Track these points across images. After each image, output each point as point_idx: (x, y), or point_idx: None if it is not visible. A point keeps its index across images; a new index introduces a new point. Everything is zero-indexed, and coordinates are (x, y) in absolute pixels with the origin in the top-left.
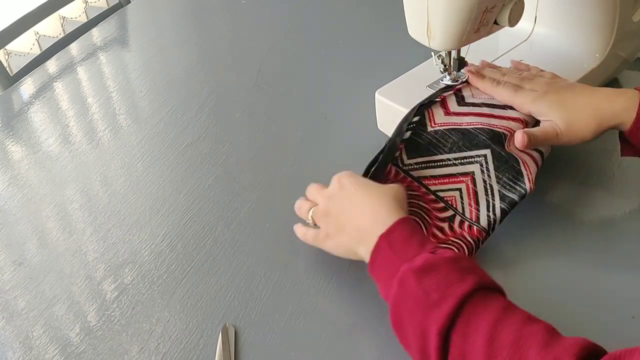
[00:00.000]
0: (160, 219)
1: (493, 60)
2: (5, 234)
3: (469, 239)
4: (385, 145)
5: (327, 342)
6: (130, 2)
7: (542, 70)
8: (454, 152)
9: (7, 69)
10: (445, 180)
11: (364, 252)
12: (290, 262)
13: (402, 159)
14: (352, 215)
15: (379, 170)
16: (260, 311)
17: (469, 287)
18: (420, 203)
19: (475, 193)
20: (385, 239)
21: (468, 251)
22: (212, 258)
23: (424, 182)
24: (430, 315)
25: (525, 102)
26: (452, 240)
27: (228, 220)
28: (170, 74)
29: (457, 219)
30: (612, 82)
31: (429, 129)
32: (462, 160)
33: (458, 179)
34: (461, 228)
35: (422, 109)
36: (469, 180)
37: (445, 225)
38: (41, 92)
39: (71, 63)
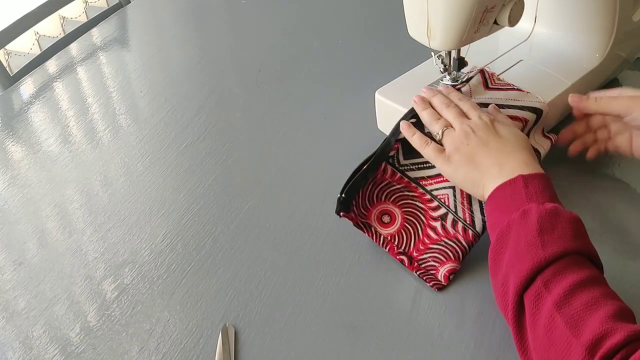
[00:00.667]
0: (160, 219)
1: (493, 60)
2: (5, 234)
3: (464, 243)
4: (381, 144)
5: (327, 342)
6: (130, 2)
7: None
8: None
9: (7, 69)
10: (439, 179)
11: (490, 188)
12: (290, 262)
13: (399, 159)
14: (497, 152)
15: (372, 167)
16: (260, 311)
17: (577, 247)
18: (417, 203)
19: (468, 194)
20: (524, 179)
21: (462, 256)
22: (212, 258)
23: (420, 182)
24: (533, 251)
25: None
26: (445, 242)
27: (228, 220)
28: (170, 74)
29: (450, 217)
30: (612, 82)
31: (426, 129)
32: None
33: None
34: (454, 229)
35: None
36: None
37: (438, 225)
38: (41, 92)
39: (71, 63)
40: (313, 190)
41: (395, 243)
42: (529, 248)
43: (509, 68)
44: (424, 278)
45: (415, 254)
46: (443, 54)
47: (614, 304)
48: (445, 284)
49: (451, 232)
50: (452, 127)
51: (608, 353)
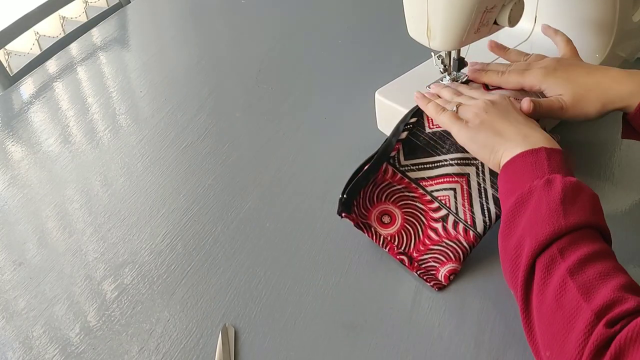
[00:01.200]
0: (160, 219)
1: (493, 61)
2: (5, 234)
3: (465, 243)
4: (382, 144)
5: (327, 342)
6: (130, 2)
7: (544, 56)
8: (452, 152)
9: (7, 69)
10: (440, 180)
11: (509, 155)
12: (290, 262)
13: (399, 159)
14: (519, 124)
15: (373, 168)
16: (260, 311)
17: (594, 221)
18: (417, 204)
19: (470, 195)
20: (546, 151)
21: (463, 256)
22: (212, 258)
23: (420, 183)
24: (553, 218)
25: (534, 81)
26: (446, 243)
27: (228, 220)
28: (170, 74)
29: (451, 219)
30: None
31: (427, 130)
32: (459, 162)
33: (453, 179)
34: (455, 230)
35: (421, 110)
36: (464, 182)
37: (439, 226)
38: (41, 92)
39: (71, 63)
40: (313, 190)
41: (395, 243)
42: (551, 214)
43: None
44: (424, 278)
45: (415, 254)
46: (443, 54)
47: (625, 277)
48: (446, 284)
49: (452, 233)
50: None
51: (615, 318)
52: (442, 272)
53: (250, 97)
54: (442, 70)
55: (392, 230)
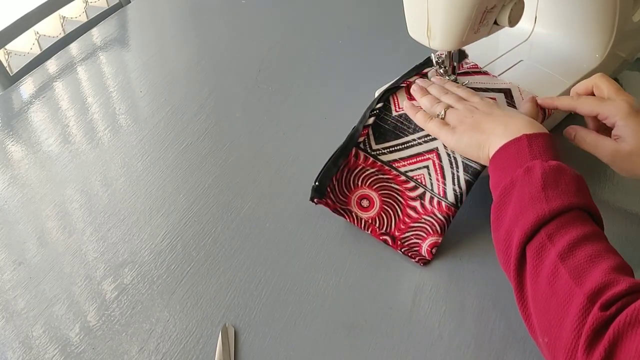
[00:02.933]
0: (160, 219)
1: (493, 61)
2: (5, 234)
3: (439, 215)
4: (350, 132)
5: (327, 342)
6: (130, 2)
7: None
8: (418, 131)
9: (7, 68)
10: (413, 160)
11: (494, 147)
12: (290, 262)
13: (370, 145)
14: (501, 116)
15: (342, 152)
16: (260, 311)
17: (580, 202)
18: (393, 185)
19: (442, 167)
20: (527, 138)
21: (440, 229)
22: (212, 258)
23: (393, 164)
24: (537, 204)
25: (614, 112)
26: (424, 219)
27: (228, 220)
28: (170, 74)
29: (427, 196)
30: None
31: (394, 113)
32: (426, 138)
33: (424, 157)
34: (432, 205)
35: (387, 94)
36: (434, 156)
37: (417, 204)
38: (41, 92)
39: (71, 63)
40: None
41: (377, 225)
42: (533, 202)
43: (509, 68)
44: (409, 255)
45: (397, 233)
46: (443, 54)
47: (616, 259)
48: (430, 259)
49: (429, 209)
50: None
51: (609, 301)
52: (425, 247)
53: (250, 97)
54: (442, 70)
55: (372, 213)
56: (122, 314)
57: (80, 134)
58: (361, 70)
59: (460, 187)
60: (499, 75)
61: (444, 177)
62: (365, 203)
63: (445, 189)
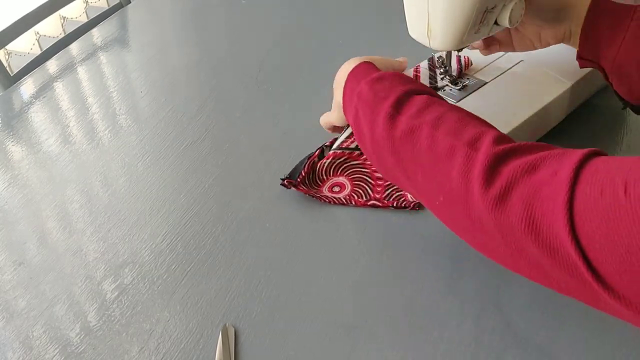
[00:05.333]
0: (160, 219)
1: (493, 61)
2: (5, 234)
3: None
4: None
5: (327, 342)
6: (130, 2)
7: None
8: None
9: (7, 69)
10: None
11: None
12: (290, 262)
13: (332, 146)
14: (337, 85)
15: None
16: (260, 311)
17: (416, 87)
18: (362, 169)
19: None
20: (351, 73)
21: (412, 199)
22: (212, 258)
23: (342, 146)
24: (378, 108)
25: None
26: (397, 194)
27: (228, 220)
28: (170, 74)
29: None
30: None
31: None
32: None
33: None
34: None
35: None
36: None
37: (383, 181)
38: (41, 92)
39: (71, 63)
40: None
41: (356, 198)
42: (375, 109)
43: (509, 68)
44: (402, 205)
45: (378, 195)
46: (443, 54)
47: (478, 118)
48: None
49: None
50: None
51: (487, 146)
52: (410, 196)
53: (250, 97)
54: (441, 70)
55: (344, 194)
56: (122, 314)
57: (80, 134)
58: None
59: None
60: (498, 76)
61: None
62: (336, 189)
63: None
